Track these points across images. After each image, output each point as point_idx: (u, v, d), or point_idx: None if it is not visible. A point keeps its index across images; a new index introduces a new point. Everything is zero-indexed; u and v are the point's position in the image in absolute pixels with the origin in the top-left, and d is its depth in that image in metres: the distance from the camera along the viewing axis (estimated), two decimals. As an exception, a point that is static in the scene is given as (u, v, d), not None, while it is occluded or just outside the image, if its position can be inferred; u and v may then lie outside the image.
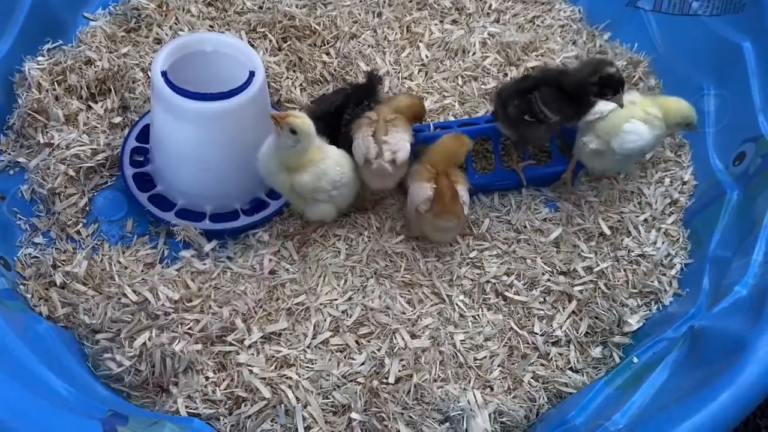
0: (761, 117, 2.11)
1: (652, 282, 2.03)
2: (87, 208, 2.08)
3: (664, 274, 2.06)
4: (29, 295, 1.87)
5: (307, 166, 1.87)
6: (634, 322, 1.96)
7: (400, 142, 1.90)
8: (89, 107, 2.25)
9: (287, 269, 1.98)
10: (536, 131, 2.02)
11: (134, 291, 1.86)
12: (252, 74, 1.92)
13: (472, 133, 2.16)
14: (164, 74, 1.87)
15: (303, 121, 1.82)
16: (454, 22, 2.65)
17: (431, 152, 1.94)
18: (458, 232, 2.05)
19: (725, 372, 1.44)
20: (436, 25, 2.61)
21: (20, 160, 2.13)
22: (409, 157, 1.94)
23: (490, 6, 2.70)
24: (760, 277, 1.73)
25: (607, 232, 2.12)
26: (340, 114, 2.03)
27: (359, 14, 2.62)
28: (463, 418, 1.70)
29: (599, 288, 2.01)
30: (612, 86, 1.88)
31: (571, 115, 1.99)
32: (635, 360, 1.82)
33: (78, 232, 2.03)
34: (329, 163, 1.88)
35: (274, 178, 1.91)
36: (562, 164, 2.20)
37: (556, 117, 1.96)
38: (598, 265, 2.04)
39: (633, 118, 1.99)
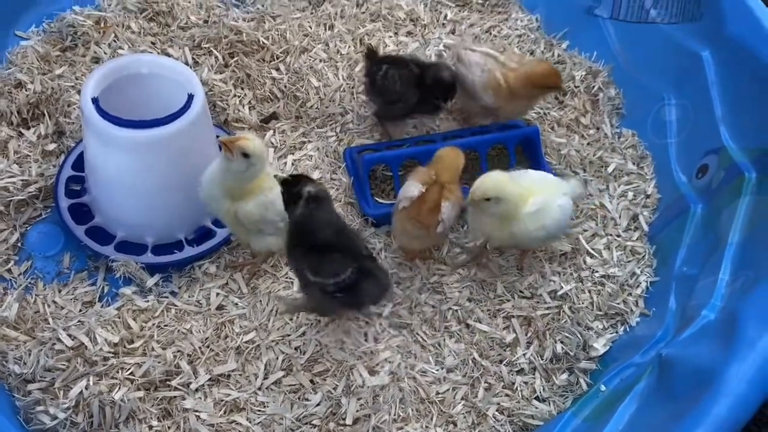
0: (722, 127, 2.07)
1: (617, 303, 1.97)
2: (19, 244, 1.94)
3: (630, 294, 1.99)
4: (-47, 344, 1.73)
5: (253, 194, 1.77)
6: (600, 346, 1.89)
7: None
8: (20, 134, 2.11)
9: (236, 303, 1.87)
10: None
11: (69, 335, 1.73)
12: (191, 97, 1.80)
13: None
14: (95, 101, 1.74)
15: (255, 143, 1.72)
16: (409, 33, 2.56)
17: (436, 163, 1.86)
18: (427, 245, 1.97)
19: (696, 407, 1.37)
20: (390, 37, 2.52)
21: (-56, 195, 1.98)
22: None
23: (446, 16, 2.62)
24: (727, 299, 1.67)
25: (569, 251, 2.05)
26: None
27: (310, 27, 2.51)
28: (425, 460, 1.61)
29: (563, 311, 1.93)
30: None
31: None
32: (603, 388, 1.75)
33: (9, 271, 1.90)
34: (278, 192, 1.77)
35: (218, 205, 1.81)
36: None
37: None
38: (562, 287, 1.97)
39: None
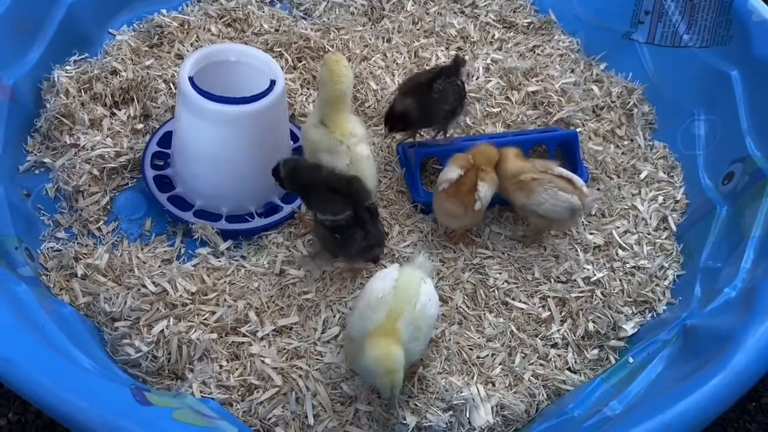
0: (748, 139, 2.26)
1: (646, 292, 2.13)
2: (108, 207, 2.17)
3: (658, 285, 2.15)
4: (51, 285, 1.95)
5: (331, 129, 1.96)
6: (629, 328, 2.05)
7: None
8: (113, 114, 2.36)
9: (298, 269, 2.07)
10: None
11: (153, 282, 1.94)
12: (273, 83, 2.04)
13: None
14: (191, 79, 1.99)
15: (328, 61, 1.94)
16: (459, 49, 2.80)
17: (473, 150, 2.10)
18: (465, 224, 2.14)
19: (716, 360, 1.53)
20: (442, 51, 2.76)
21: (46, 160, 2.23)
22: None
23: (494, 36, 2.86)
24: (748, 281, 1.83)
25: (602, 245, 2.23)
26: (430, 86, 2.18)
27: (370, 39, 2.77)
28: (466, 407, 1.77)
29: (596, 295, 2.10)
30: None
31: None
32: (630, 360, 1.91)
33: (99, 229, 2.12)
34: (345, 146, 1.95)
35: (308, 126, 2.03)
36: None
37: None
38: (595, 274, 2.14)
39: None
